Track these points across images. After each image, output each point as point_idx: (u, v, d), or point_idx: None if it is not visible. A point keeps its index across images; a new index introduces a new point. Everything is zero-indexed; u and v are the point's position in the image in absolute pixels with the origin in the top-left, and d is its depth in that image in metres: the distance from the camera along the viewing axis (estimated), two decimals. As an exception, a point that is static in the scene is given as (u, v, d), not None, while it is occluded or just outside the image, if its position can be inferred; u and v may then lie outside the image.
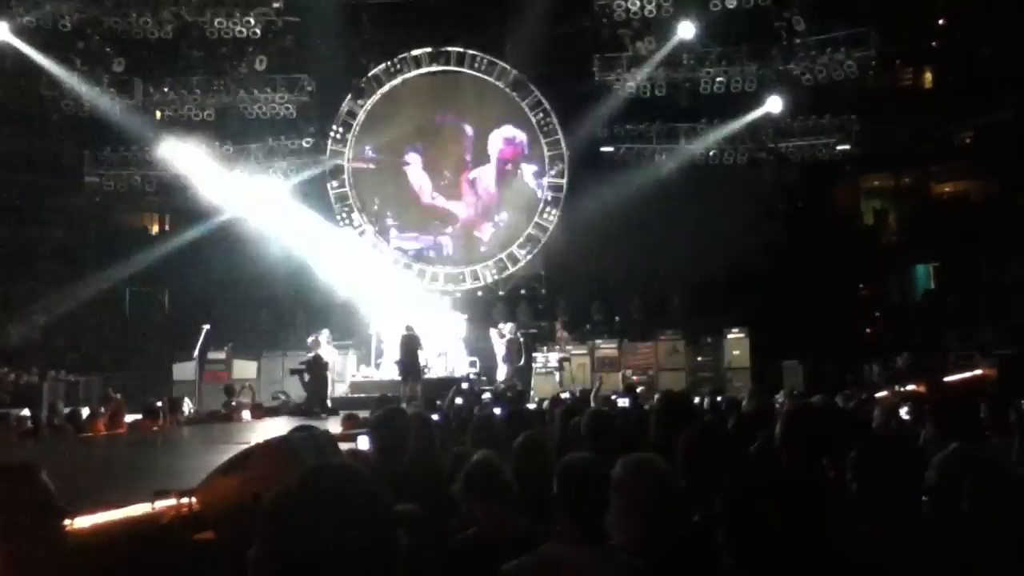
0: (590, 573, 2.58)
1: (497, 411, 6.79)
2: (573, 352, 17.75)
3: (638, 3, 18.63)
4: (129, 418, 10.65)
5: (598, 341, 18.24)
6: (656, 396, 5.95)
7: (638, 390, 11.89)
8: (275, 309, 20.16)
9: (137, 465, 6.43)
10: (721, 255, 16.48)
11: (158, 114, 20.05)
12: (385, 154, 20.53)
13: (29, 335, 18.23)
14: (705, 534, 2.23)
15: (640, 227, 17.81)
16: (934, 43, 21.03)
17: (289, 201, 19.10)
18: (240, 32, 19.00)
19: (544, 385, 16.90)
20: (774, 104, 18.84)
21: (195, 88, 19.43)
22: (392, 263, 20.11)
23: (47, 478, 2.51)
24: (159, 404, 10.77)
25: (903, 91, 21.59)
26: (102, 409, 11.44)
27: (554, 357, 17.62)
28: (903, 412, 6.87)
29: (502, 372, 16.41)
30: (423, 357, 15.52)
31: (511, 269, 20.20)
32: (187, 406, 12.06)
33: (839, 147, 19.12)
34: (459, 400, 10.13)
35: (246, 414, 11.80)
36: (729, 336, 17.61)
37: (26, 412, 12.07)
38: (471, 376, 16.66)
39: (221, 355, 17.55)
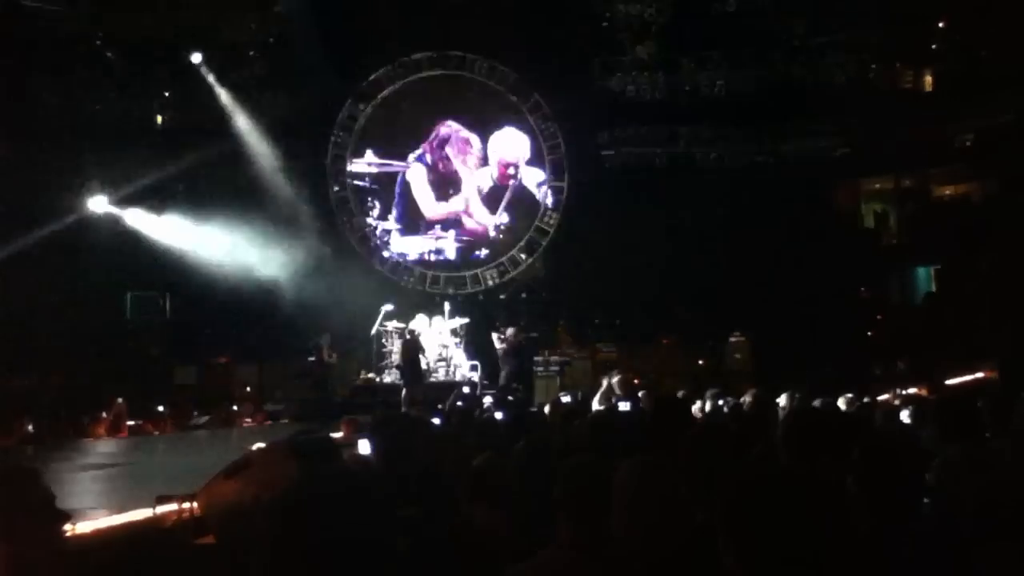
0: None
1: (499, 415, 6.79)
2: (574, 356, 17.73)
3: (638, 6, 18.65)
4: (130, 422, 10.67)
5: (599, 344, 18.22)
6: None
7: (640, 394, 11.86)
8: (276, 314, 20.12)
9: (138, 469, 6.44)
10: (722, 258, 16.47)
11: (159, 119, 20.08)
12: (386, 158, 20.55)
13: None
14: (707, 537, 2.23)
15: (640, 230, 17.81)
16: (934, 45, 20.99)
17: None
18: (241, 37, 19.04)
19: (545, 388, 16.89)
20: (771, 107, 18.80)
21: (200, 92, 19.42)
22: (393, 267, 20.12)
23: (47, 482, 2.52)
24: (160, 409, 10.80)
25: (903, 93, 21.55)
26: (104, 414, 11.46)
27: (555, 360, 17.62)
28: (904, 414, 6.87)
29: (503, 375, 16.41)
30: (424, 361, 15.54)
31: (512, 273, 20.20)
32: (189, 411, 12.09)
33: (839, 149, 19.12)
34: (461, 404, 10.13)
35: (247, 419, 11.82)
36: (730, 339, 17.60)
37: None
38: (473, 380, 16.67)
39: (223, 360, 17.56)
